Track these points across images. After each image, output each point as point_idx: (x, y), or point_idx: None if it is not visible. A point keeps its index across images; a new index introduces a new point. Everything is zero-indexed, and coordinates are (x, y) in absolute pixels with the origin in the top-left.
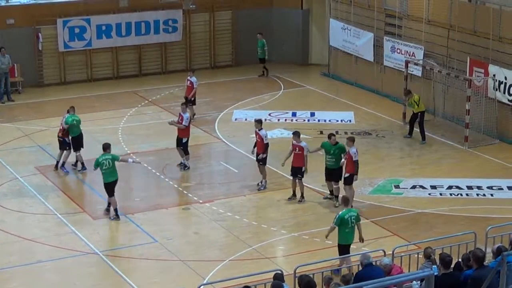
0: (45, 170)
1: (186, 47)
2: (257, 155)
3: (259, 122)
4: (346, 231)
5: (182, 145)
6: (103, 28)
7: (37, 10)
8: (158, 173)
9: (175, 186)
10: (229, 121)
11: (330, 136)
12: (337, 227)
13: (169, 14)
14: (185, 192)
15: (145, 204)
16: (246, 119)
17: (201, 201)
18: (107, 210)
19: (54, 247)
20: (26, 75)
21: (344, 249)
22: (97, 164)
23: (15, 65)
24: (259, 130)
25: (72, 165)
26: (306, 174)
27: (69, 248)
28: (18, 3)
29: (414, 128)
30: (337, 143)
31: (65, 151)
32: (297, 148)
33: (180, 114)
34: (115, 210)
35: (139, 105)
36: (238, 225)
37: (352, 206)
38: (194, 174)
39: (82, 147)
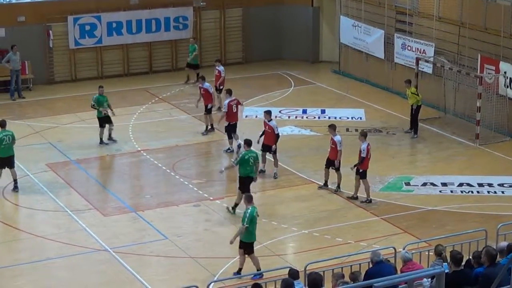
0: (56, 167)
1: (197, 44)
2: (267, 146)
3: (268, 113)
4: (252, 228)
5: (229, 131)
6: (114, 25)
7: (48, 8)
8: (168, 170)
9: (186, 183)
10: (240, 118)
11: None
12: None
13: (179, 11)
14: (196, 189)
15: (155, 201)
16: (256, 116)
17: (211, 198)
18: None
19: (64, 244)
20: (36, 72)
21: (250, 246)
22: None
23: (26, 62)
24: (269, 121)
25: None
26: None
27: (80, 245)
28: (29, 1)
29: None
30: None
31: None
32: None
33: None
34: (15, 181)
35: (150, 102)
36: None
37: (370, 199)
38: (204, 171)
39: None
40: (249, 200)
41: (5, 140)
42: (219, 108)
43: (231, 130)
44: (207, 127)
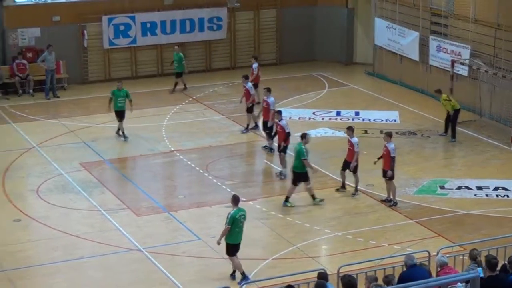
0: (89, 166)
1: (230, 45)
2: (278, 145)
3: (279, 113)
4: (236, 230)
5: (268, 129)
6: (148, 25)
7: (82, 8)
8: (201, 171)
9: (219, 184)
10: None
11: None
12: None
13: (213, 12)
14: (229, 190)
15: (188, 202)
16: (290, 118)
17: (244, 199)
18: None
19: (97, 243)
20: (71, 72)
21: (234, 248)
22: None
23: (61, 62)
24: (279, 120)
25: None
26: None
27: (113, 244)
28: (64, 1)
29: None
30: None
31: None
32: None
33: (264, 99)
34: None
35: (183, 103)
36: (281, 223)
37: (395, 202)
38: (238, 172)
39: None
40: (235, 201)
41: None
42: (258, 103)
43: (268, 128)
44: (247, 125)
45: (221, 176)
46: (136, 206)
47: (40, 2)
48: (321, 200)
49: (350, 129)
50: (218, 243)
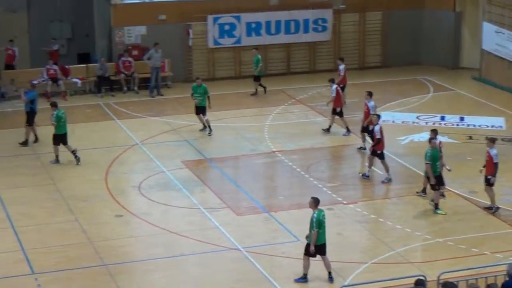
0: (191, 164)
1: (335, 47)
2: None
3: (378, 117)
4: (320, 231)
5: (368, 132)
6: (253, 25)
7: (188, 7)
8: (302, 172)
9: (319, 186)
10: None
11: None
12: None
13: (319, 13)
14: (329, 192)
15: (288, 203)
16: (393, 121)
17: (345, 202)
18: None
19: (197, 241)
20: (175, 70)
21: (317, 249)
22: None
23: (165, 60)
24: (374, 125)
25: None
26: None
27: (212, 243)
28: (170, 0)
29: None
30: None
31: None
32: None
33: (365, 103)
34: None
35: (286, 104)
36: (382, 228)
37: (496, 208)
38: (338, 174)
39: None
40: (316, 203)
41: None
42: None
43: (368, 131)
44: (347, 128)
45: (321, 178)
46: (236, 206)
47: (146, 0)
48: (443, 213)
49: (491, 140)
50: (312, 251)
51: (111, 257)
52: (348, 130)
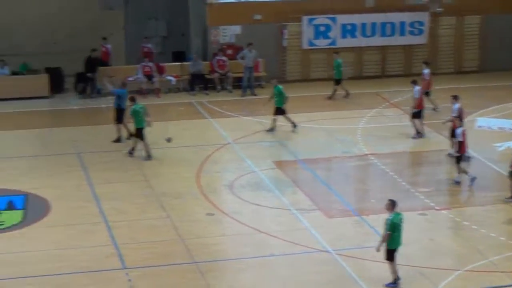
0: (282, 165)
1: (431, 51)
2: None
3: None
4: (396, 235)
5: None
6: (348, 27)
7: (283, 7)
8: (395, 176)
9: (412, 190)
10: (472, 128)
11: None
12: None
13: (415, 16)
14: (422, 197)
15: (380, 206)
16: (489, 128)
17: (437, 208)
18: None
19: (287, 242)
20: (269, 70)
21: (395, 253)
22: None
23: (259, 60)
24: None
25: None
26: None
27: (302, 244)
28: (266, 0)
29: None
30: None
31: None
32: None
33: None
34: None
35: (380, 107)
36: (475, 235)
37: None
38: (432, 180)
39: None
40: (393, 206)
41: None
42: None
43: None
44: (417, 131)
45: (414, 182)
46: (327, 208)
47: (242, 0)
48: None
49: None
50: (378, 250)
51: (202, 255)
52: (419, 133)
